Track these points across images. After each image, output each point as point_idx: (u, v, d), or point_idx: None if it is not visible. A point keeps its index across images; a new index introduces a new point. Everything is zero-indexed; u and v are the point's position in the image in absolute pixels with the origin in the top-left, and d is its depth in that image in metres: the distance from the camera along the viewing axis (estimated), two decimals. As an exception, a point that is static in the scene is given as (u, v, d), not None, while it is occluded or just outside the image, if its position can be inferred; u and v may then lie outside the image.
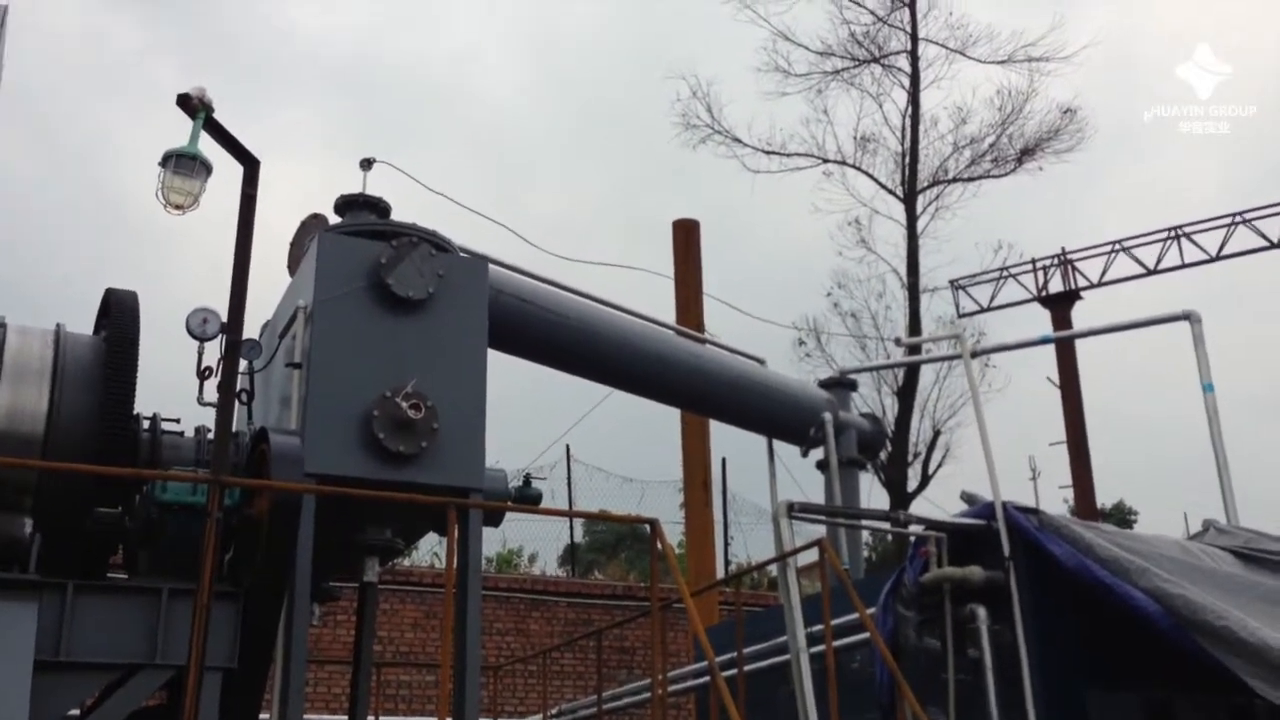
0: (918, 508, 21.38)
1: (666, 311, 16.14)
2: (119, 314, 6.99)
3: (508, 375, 11.02)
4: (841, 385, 13.79)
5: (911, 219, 24.64)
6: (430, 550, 21.02)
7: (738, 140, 25.83)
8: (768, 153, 25.79)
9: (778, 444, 13.06)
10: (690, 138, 26.00)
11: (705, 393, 12.04)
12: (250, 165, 6.69)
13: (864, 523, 10.17)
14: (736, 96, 47.65)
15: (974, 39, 25.66)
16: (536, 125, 75.64)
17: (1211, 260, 27.11)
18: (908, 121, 25.07)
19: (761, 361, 12.75)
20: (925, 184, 25.05)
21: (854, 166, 25.59)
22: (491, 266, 9.07)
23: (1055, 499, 30.04)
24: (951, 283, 28.10)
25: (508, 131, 74.82)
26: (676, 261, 17.25)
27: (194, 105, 6.54)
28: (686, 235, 17.66)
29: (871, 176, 25.40)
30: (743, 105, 52.97)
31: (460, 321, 8.12)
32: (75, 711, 6.65)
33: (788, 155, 25.80)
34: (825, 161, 25.76)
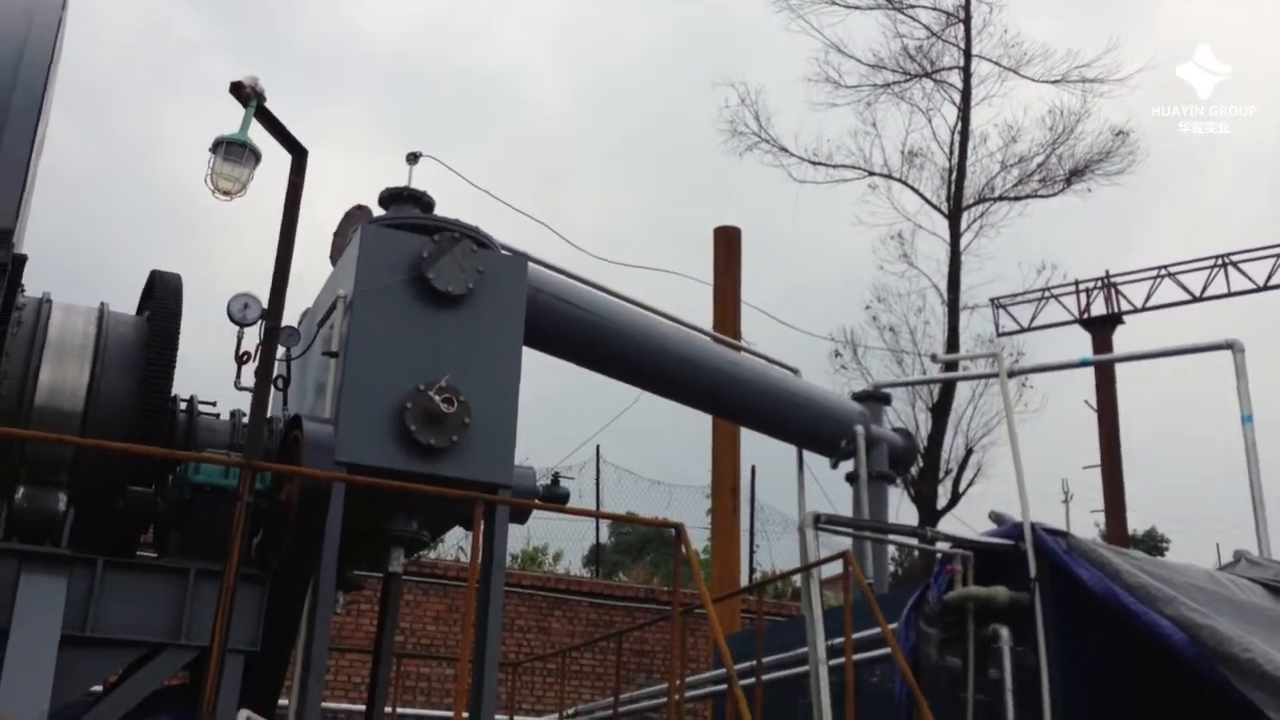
0: (946, 525, 21.28)
1: (704, 318, 16.14)
2: (162, 294, 7.07)
3: (542, 374, 11.09)
4: (875, 399, 13.73)
5: (955, 236, 24.49)
6: (456, 544, 21.12)
7: (784, 149, 25.69)
8: (814, 163, 25.63)
9: (808, 455, 13.03)
10: (736, 145, 25.93)
11: (738, 399, 12.03)
12: (299, 154, 6.78)
13: (891, 537, 10.14)
14: (784, 107, 47.63)
15: (1028, 57, 25.46)
16: (581, 132, 75.91)
17: (1259, 290, 26.80)
18: (956, 137, 24.90)
19: (796, 371, 12.72)
20: (971, 201, 24.89)
21: (900, 180, 25.41)
22: (530, 265, 9.14)
23: (1087, 523, 29.78)
24: (992, 301, 27.94)
25: (553, 137, 75.14)
26: (716, 268, 17.25)
27: (246, 93, 6.63)
28: (728, 242, 17.66)
29: (917, 191, 25.24)
30: (790, 116, 52.90)
31: (497, 318, 8.16)
32: (98, 688, 6.73)
33: (834, 166, 25.64)
34: (871, 174, 25.55)
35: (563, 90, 78.38)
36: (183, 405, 7.41)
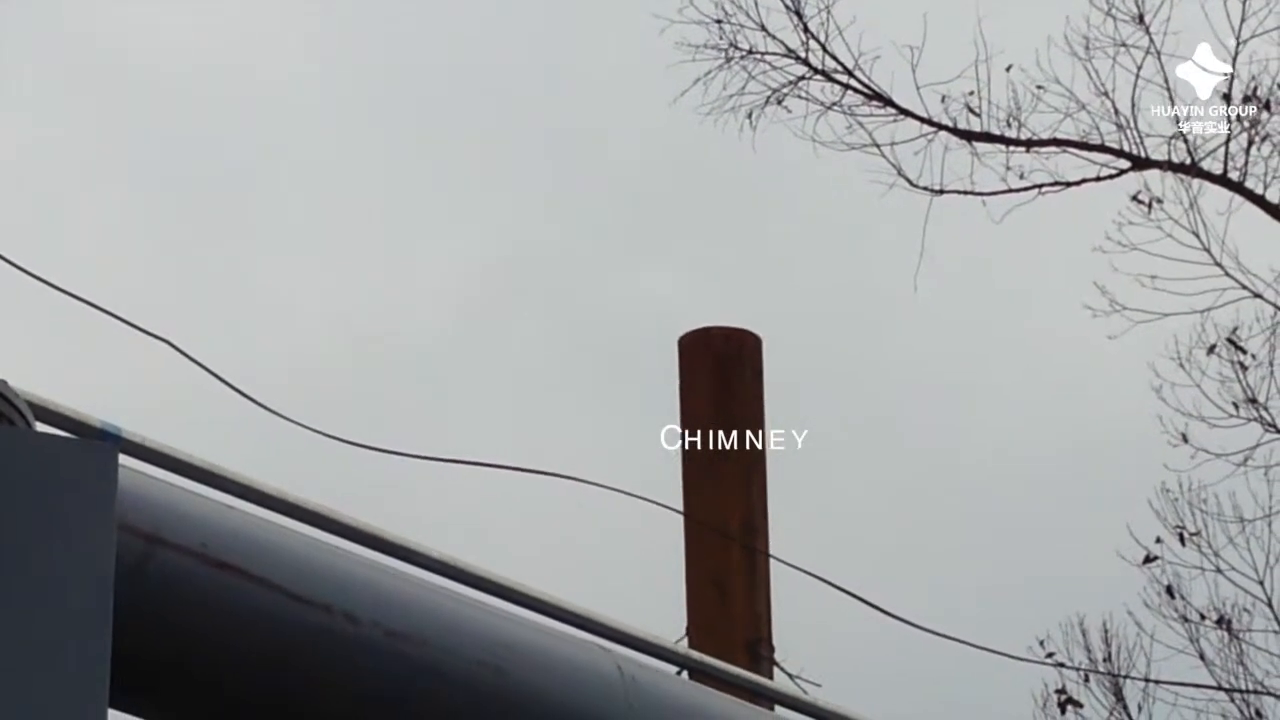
0: None
1: (660, 593, 4.71)
2: None
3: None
4: None
5: None
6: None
7: (880, 98, 10.71)
8: (973, 136, 10.59)
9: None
10: (732, 86, 11.01)
11: None
12: None
13: None
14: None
15: None
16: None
17: None
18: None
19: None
20: None
21: (1224, 182, 10.33)
22: (132, 469, 1.76)
23: None
24: None
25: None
26: (690, 471, 4.28)
27: None
28: (720, 372, 4.41)
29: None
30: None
31: (35, 620, 1.43)
32: None
33: (1042, 146, 10.59)
34: (1135, 164, 10.43)
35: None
36: None
